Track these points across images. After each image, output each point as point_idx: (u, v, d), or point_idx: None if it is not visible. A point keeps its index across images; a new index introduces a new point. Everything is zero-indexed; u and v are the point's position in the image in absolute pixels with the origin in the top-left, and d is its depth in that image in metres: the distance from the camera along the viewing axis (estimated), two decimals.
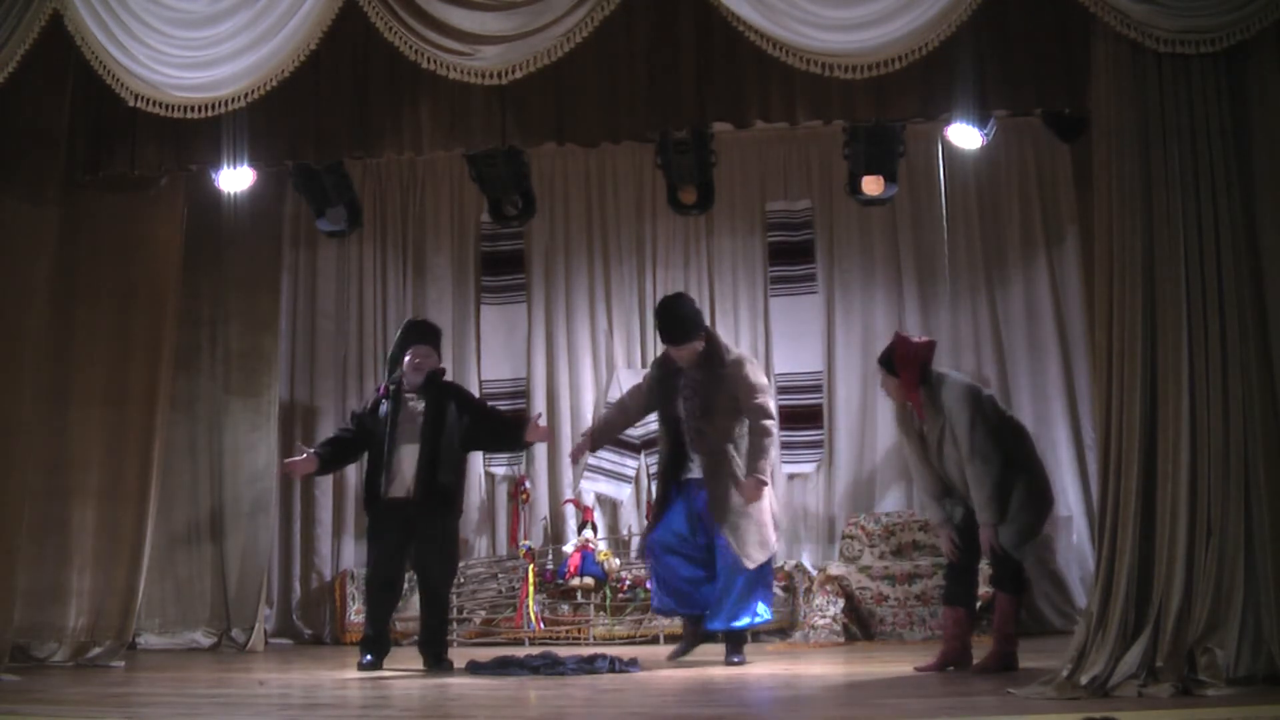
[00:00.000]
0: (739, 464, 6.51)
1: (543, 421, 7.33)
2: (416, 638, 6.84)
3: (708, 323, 7.15)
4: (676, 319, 6.62)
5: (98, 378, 7.33)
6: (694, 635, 6.82)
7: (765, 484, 6.51)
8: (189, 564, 8.37)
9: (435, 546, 6.61)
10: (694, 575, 6.67)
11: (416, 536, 6.58)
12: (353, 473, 8.40)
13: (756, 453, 6.49)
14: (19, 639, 6.83)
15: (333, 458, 6.84)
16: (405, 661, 6.79)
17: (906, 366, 5.98)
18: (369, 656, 6.59)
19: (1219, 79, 5.20)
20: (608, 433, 7.22)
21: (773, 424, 6.59)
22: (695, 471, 6.63)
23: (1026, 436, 6.12)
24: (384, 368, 8.85)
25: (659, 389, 6.76)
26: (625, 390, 7.46)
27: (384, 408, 6.70)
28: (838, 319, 8.79)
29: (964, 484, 5.87)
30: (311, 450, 6.80)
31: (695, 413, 6.56)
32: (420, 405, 6.66)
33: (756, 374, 6.63)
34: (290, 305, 9.07)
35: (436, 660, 6.60)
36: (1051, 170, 8.45)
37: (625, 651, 6.85)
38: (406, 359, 6.74)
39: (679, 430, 6.66)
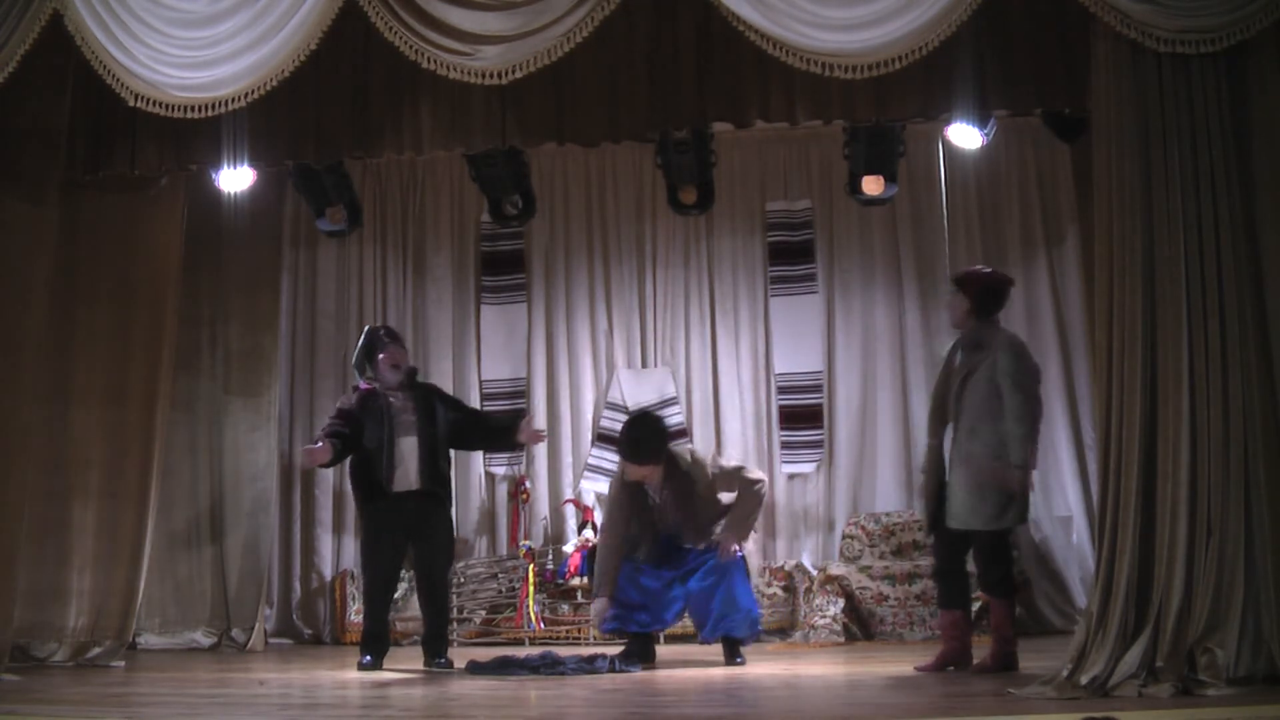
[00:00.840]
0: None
1: (538, 424, 7.23)
2: (418, 637, 6.82)
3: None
4: (638, 441, 6.46)
5: (98, 378, 7.34)
6: (645, 651, 6.70)
7: (744, 542, 6.57)
8: (189, 564, 8.37)
9: (437, 541, 6.64)
10: (652, 587, 6.56)
11: (416, 532, 6.58)
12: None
13: (745, 515, 6.54)
14: (19, 639, 6.84)
15: (343, 448, 6.69)
16: (405, 661, 6.79)
17: (977, 289, 5.99)
18: (369, 656, 6.59)
19: (1219, 79, 5.20)
20: (617, 563, 6.60)
21: (762, 486, 6.64)
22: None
23: None
24: None
25: (633, 507, 6.54)
26: (604, 515, 6.95)
27: (372, 404, 6.64)
28: (838, 319, 8.79)
29: (975, 417, 5.79)
30: (326, 435, 6.67)
31: (679, 525, 6.52)
32: (409, 403, 6.66)
33: (720, 463, 6.63)
34: (290, 305, 9.08)
35: (438, 658, 6.58)
36: (1051, 170, 8.45)
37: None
38: (382, 358, 6.70)
39: (661, 541, 6.56)
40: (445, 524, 6.74)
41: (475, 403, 8.68)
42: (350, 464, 6.79)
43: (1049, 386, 8.36)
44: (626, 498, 6.57)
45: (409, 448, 6.58)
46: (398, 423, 6.60)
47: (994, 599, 5.95)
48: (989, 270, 6.34)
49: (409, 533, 6.60)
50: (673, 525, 6.53)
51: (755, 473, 6.68)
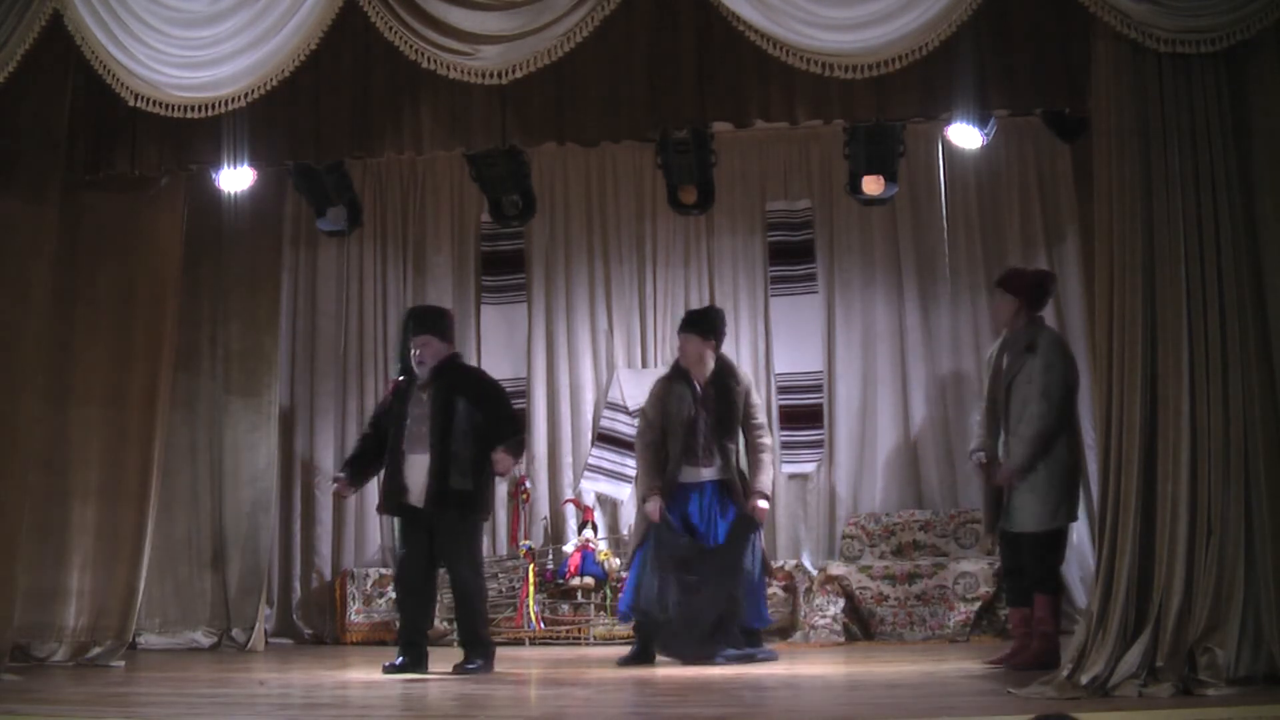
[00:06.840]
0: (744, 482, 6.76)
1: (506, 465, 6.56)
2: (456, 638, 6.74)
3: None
4: (705, 314, 6.97)
5: (98, 378, 7.33)
6: (646, 651, 6.74)
7: (769, 500, 6.82)
8: (189, 564, 8.36)
9: (456, 547, 6.43)
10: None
11: (438, 538, 6.39)
12: None
13: (760, 470, 6.74)
14: (19, 639, 6.83)
15: (360, 474, 6.62)
16: (439, 663, 6.54)
17: (1026, 286, 6.24)
18: (399, 659, 6.37)
19: (1219, 79, 5.20)
20: (658, 459, 6.77)
21: (770, 441, 6.91)
22: (700, 476, 6.69)
23: (1078, 431, 6.23)
24: (385, 366, 8.88)
25: (673, 396, 6.75)
26: (639, 417, 7.00)
27: (398, 404, 6.48)
28: (838, 319, 8.79)
29: (1018, 421, 6.00)
30: (341, 476, 6.64)
31: (711, 427, 6.70)
32: (428, 407, 6.43)
33: (757, 394, 6.96)
34: (290, 305, 9.07)
35: (467, 664, 6.38)
36: (1051, 170, 8.45)
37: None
38: (410, 349, 6.56)
39: (691, 438, 6.69)
40: (464, 532, 6.44)
41: None
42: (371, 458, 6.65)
43: None
44: (668, 392, 6.75)
45: (417, 465, 6.36)
46: (410, 435, 6.40)
47: (1042, 594, 6.04)
48: (1032, 268, 6.52)
49: (431, 539, 6.40)
50: (710, 421, 6.69)
51: (768, 435, 6.90)
